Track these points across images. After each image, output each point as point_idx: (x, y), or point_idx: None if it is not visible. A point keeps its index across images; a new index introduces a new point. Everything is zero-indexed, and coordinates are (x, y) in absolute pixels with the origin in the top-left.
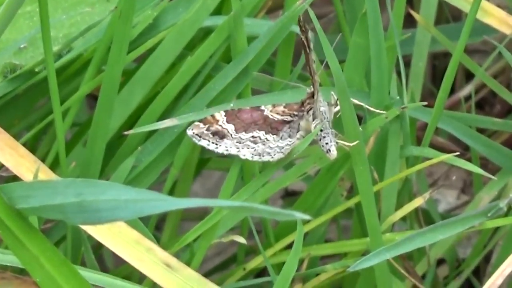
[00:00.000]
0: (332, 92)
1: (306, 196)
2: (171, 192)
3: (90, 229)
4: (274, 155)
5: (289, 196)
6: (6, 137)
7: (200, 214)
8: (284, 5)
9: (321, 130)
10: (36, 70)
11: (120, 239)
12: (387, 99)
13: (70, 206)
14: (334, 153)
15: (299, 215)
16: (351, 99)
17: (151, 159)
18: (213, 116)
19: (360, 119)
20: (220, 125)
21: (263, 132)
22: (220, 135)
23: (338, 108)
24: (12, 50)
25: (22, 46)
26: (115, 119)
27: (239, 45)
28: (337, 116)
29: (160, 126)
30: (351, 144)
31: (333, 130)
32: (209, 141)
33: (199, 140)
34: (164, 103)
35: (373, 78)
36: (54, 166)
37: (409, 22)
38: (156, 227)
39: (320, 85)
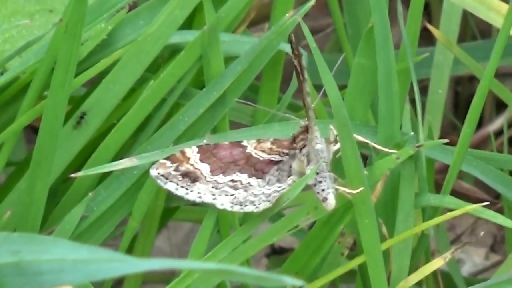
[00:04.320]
0: (331, 126)
1: (298, 254)
2: (129, 249)
3: None
4: (259, 204)
5: (276, 254)
6: None
7: (165, 275)
8: (271, 17)
9: (317, 173)
10: None
11: None
12: (398, 135)
13: (5, 268)
14: (332, 202)
15: (290, 280)
16: (354, 135)
17: (104, 208)
18: (183, 152)
19: (365, 160)
20: (191, 165)
21: (246, 175)
22: (191, 178)
23: (338, 146)
24: None
25: None
26: (60, 157)
27: (215, 67)
28: (337, 156)
29: (116, 167)
30: (354, 192)
31: (331, 173)
32: (177, 184)
33: (165, 183)
34: (120, 138)
35: (381, 109)
36: None
37: (426, 38)
38: None
39: (316, 117)
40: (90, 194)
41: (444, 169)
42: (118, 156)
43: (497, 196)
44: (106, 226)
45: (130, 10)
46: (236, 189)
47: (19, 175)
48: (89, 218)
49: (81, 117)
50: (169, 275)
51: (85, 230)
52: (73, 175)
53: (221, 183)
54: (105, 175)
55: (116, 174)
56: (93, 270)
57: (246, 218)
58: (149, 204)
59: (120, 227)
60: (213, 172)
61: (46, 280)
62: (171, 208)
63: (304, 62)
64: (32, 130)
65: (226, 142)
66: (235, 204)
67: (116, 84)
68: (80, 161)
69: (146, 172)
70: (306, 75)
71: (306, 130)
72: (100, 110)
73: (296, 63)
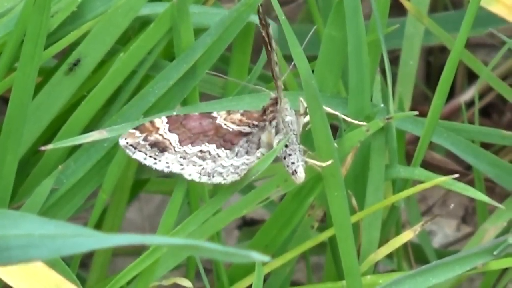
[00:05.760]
0: (301, 99)
1: (268, 227)
2: (100, 221)
3: None
4: (227, 176)
5: (248, 226)
6: None
7: (136, 248)
8: None
9: (286, 146)
10: None
11: (36, 282)
12: (368, 107)
13: None
14: (301, 175)
15: (258, 257)
16: (324, 107)
17: (74, 181)
18: (152, 122)
19: (335, 132)
20: (160, 135)
21: (214, 146)
22: (160, 147)
23: (308, 118)
24: None
25: None
26: (30, 130)
27: (185, 38)
28: (307, 128)
29: (86, 140)
30: (324, 164)
31: (301, 146)
32: (146, 154)
33: (133, 153)
34: (90, 110)
35: (351, 81)
36: None
37: (397, 10)
38: (82, 264)
39: (286, 89)
40: (60, 167)
41: (415, 141)
42: (88, 129)
43: (468, 167)
44: (76, 198)
45: None
46: (204, 159)
47: None
48: (59, 191)
49: (75, 64)
50: (140, 248)
51: (55, 203)
52: (43, 147)
53: (189, 153)
54: (75, 148)
55: (86, 147)
56: (61, 246)
57: (216, 190)
58: (119, 176)
59: (90, 200)
60: (181, 142)
61: (14, 256)
62: (142, 180)
63: (271, 32)
64: (3, 101)
65: (196, 114)
66: (203, 175)
67: (86, 56)
68: (50, 134)
69: (116, 145)
70: (274, 45)
71: (276, 102)
72: (70, 82)
73: (264, 33)
